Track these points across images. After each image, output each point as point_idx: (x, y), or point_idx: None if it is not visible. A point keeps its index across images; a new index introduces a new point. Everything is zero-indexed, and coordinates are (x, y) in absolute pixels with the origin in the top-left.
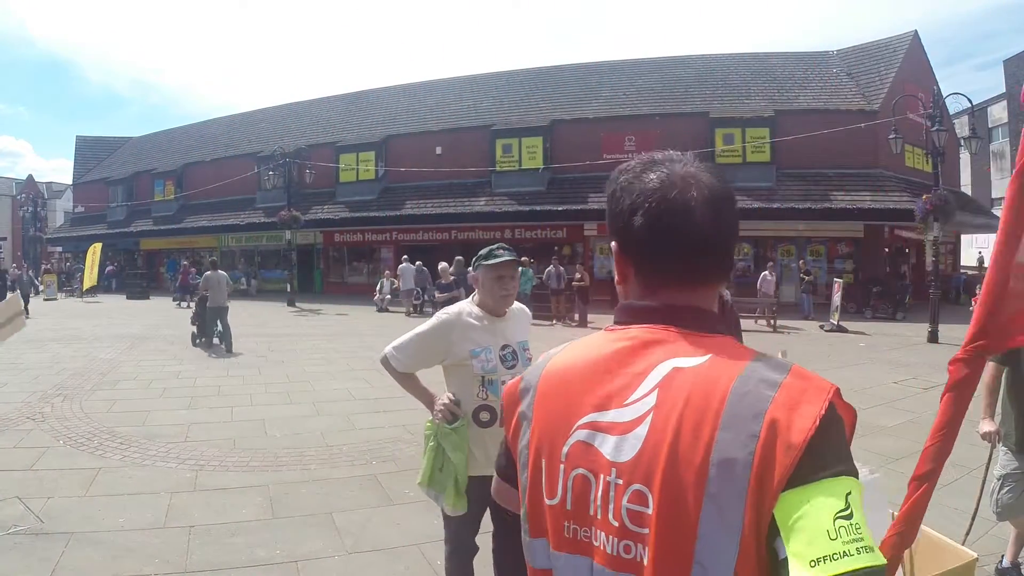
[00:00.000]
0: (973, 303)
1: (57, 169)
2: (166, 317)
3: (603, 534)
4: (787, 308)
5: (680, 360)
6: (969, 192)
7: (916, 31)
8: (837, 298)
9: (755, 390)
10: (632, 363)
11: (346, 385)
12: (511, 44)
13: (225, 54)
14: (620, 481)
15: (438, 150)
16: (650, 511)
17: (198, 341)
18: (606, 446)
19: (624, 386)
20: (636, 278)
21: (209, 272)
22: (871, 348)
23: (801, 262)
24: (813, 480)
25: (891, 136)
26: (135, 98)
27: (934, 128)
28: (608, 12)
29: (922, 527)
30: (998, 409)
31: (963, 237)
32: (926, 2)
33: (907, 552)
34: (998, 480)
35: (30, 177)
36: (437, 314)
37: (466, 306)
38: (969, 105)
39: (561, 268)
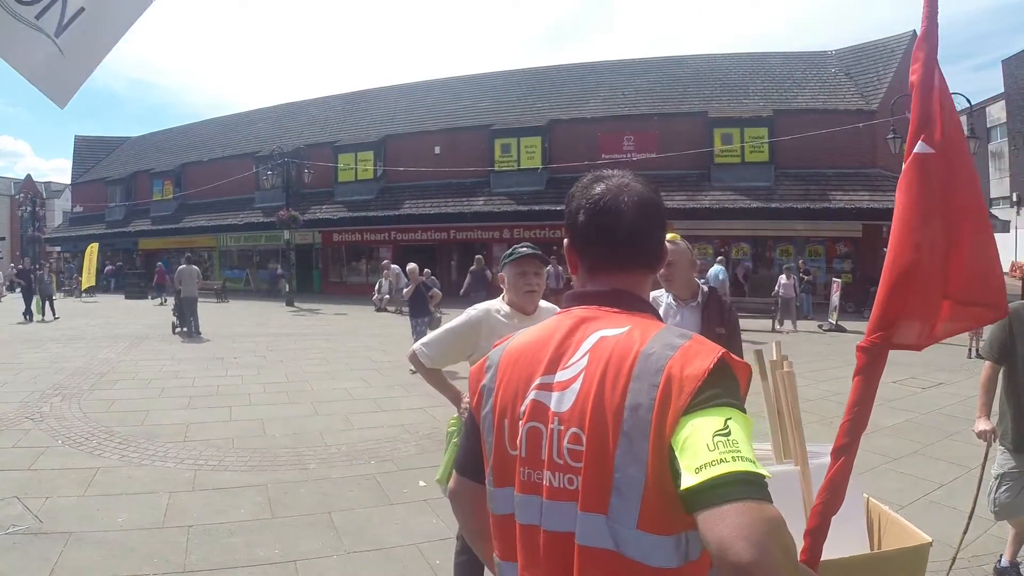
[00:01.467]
0: None
1: (57, 169)
2: (165, 317)
3: (549, 473)
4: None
5: (606, 331)
6: None
7: (914, 31)
8: (836, 298)
9: (659, 351)
10: (573, 336)
11: (345, 385)
12: (510, 44)
13: (224, 54)
14: (562, 427)
15: (436, 150)
16: (583, 448)
17: (177, 330)
18: (552, 400)
19: (565, 353)
20: (581, 266)
21: (182, 266)
22: None
23: (801, 262)
24: (697, 411)
25: (889, 136)
26: (133, 98)
27: None
28: (607, 12)
29: (888, 511)
30: (995, 408)
31: None
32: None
33: (875, 530)
34: (995, 479)
35: (28, 177)
36: (467, 311)
37: (495, 303)
38: (967, 105)
39: (560, 268)
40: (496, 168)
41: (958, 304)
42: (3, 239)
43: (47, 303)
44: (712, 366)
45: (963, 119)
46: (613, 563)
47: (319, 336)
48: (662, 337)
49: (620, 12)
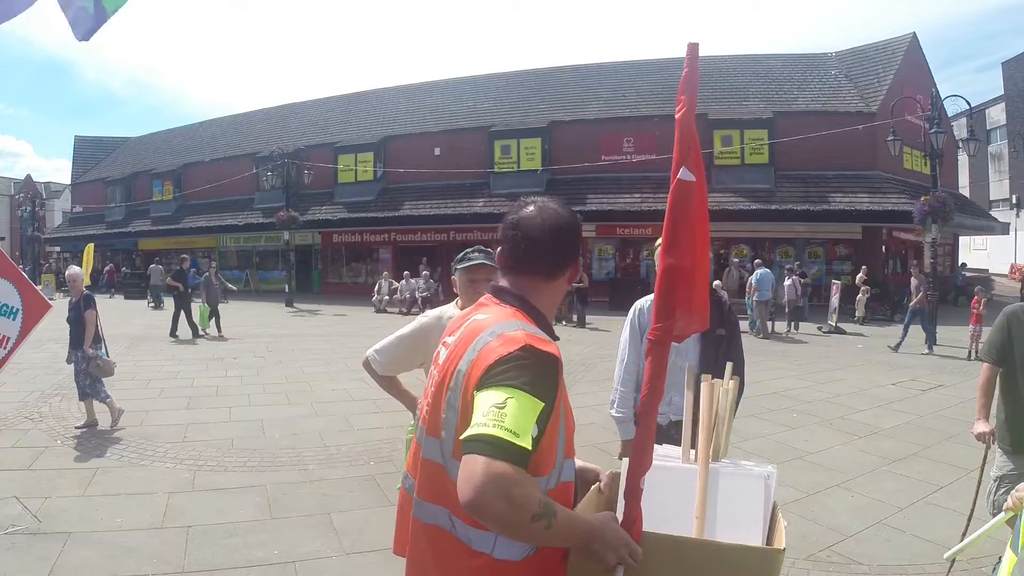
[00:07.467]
0: (973, 305)
1: (58, 169)
2: (163, 317)
3: (424, 401)
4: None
5: (478, 315)
6: (967, 194)
7: (915, 33)
8: (835, 300)
9: (485, 336)
10: (470, 315)
11: (344, 386)
12: (510, 45)
13: (223, 54)
14: (436, 373)
15: (437, 151)
16: (434, 388)
17: (150, 305)
18: (442, 354)
19: (461, 324)
20: (499, 265)
21: (152, 266)
22: (869, 350)
23: (797, 264)
24: (487, 387)
25: (889, 138)
26: (132, 98)
27: (932, 130)
28: (607, 14)
29: (782, 521)
30: (994, 410)
31: (961, 239)
32: (925, 4)
33: (777, 532)
34: (994, 481)
35: (28, 177)
36: (419, 317)
37: (448, 309)
38: (967, 107)
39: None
40: (496, 169)
41: (695, 309)
42: (3, 239)
43: (214, 315)
44: (507, 354)
45: (962, 121)
46: (439, 472)
47: (319, 337)
48: (500, 326)
49: (620, 14)
